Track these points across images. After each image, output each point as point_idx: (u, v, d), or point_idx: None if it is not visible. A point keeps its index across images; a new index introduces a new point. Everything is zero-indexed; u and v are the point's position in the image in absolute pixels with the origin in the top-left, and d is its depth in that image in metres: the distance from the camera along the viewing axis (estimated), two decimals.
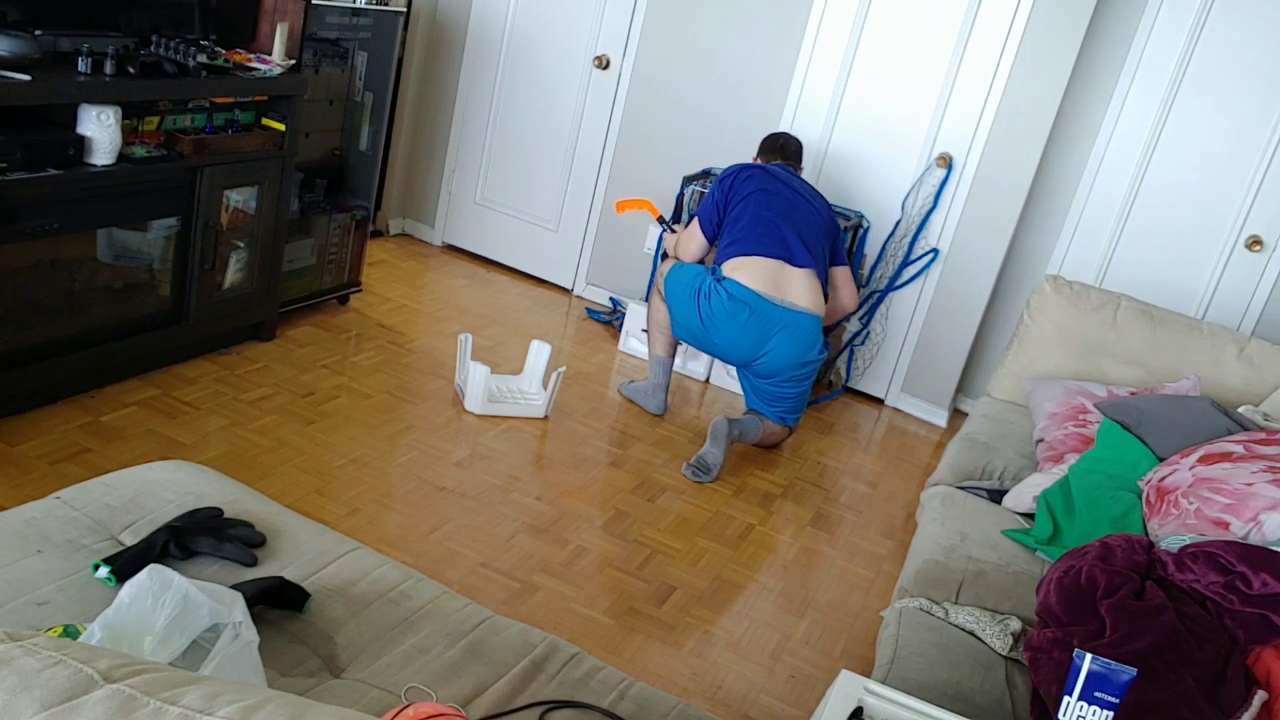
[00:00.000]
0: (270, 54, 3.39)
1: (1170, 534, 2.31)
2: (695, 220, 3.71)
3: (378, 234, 5.06)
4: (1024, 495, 2.66)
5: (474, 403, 3.51)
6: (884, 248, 4.33)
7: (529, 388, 3.71)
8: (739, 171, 3.66)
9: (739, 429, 3.56)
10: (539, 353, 3.70)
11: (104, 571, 1.57)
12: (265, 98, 3.33)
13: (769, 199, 3.59)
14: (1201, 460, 2.44)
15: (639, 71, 4.52)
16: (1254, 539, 2.17)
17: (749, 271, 3.50)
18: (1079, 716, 1.40)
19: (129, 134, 2.92)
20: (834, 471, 3.77)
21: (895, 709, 1.51)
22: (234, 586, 1.53)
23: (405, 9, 4.51)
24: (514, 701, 1.55)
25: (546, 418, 3.62)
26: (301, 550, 1.77)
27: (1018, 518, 2.64)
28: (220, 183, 3.19)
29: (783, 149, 3.82)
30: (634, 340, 4.37)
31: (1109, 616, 1.88)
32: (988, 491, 2.76)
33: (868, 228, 4.35)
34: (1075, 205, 4.26)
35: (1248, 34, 3.88)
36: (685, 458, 3.57)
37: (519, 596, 2.64)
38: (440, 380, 3.70)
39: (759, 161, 3.85)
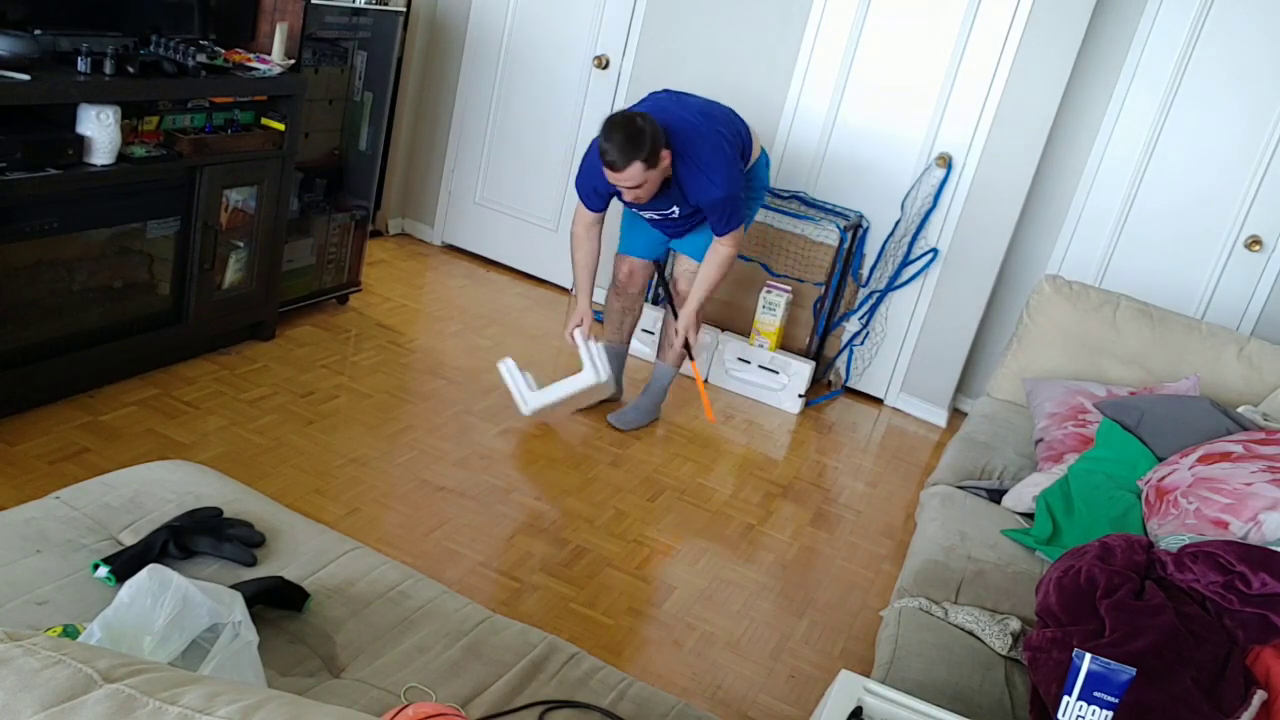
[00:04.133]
0: (270, 54, 3.39)
1: (1170, 534, 2.31)
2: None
3: (377, 234, 5.06)
4: (1023, 495, 2.66)
5: (525, 402, 3.43)
6: (883, 247, 4.33)
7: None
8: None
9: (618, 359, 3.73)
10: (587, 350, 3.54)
11: (103, 571, 1.57)
12: (265, 98, 3.33)
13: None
14: (1201, 460, 2.44)
15: (639, 71, 4.51)
16: (1253, 539, 2.17)
17: None
18: (1078, 716, 1.40)
19: (128, 134, 2.92)
20: (834, 471, 3.77)
21: (895, 709, 1.51)
22: (233, 586, 1.53)
23: (405, 9, 4.51)
24: (513, 701, 1.55)
25: (608, 394, 3.56)
26: (301, 550, 1.77)
27: (1017, 517, 2.64)
28: (220, 182, 3.19)
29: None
30: (635, 340, 4.37)
31: (1108, 616, 1.88)
32: (987, 491, 2.76)
33: (867, 227, 4.35)
34: (1075, 205, 4.26)
35: (1247, 34, 3.88)
36: (686, 457, 3.57)
37: (519, 596, 2.64)
38: (440, 380, 3.70)
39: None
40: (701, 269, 3.49)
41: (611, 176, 3.11)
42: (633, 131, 3.04)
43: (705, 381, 3.68)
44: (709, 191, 3.22)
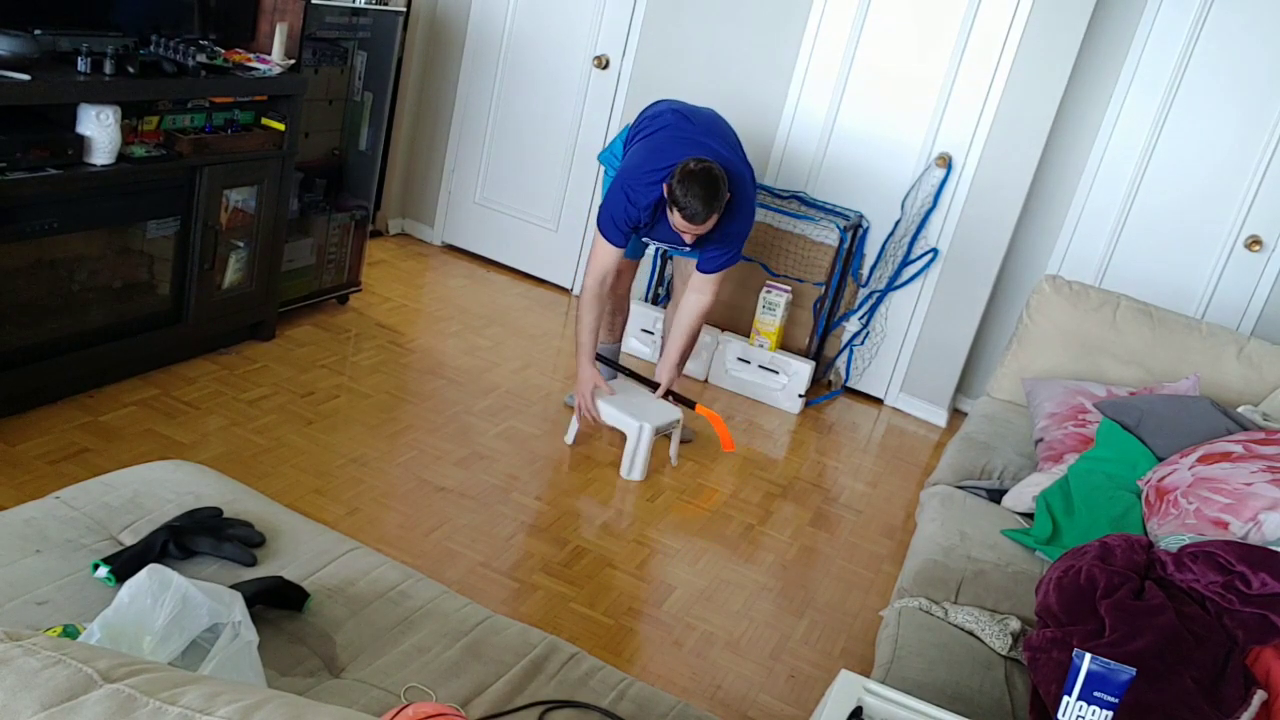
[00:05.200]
0: (270, 54, 3.39)
1: (1169, 534, 2.31)
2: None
3: (377, 234, 5.06)
4: (1023, 495, 2.66)
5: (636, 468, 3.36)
6: (883, 247, 4.33)
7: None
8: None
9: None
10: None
11: (103, 571, 1.57)
12: (265, 97, 3.33)
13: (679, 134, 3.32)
14: (1201, 460, 2.44)
15: (639, 71, 4.51)
16: (1253, 539, 2.17)
17: None
18: (1078, 716, 1.40)
19: (128, 133, 2.92)
20: (834, 471, 3.77)
21: (895, 709, 1.51)
22: (233, 586, 1.53)
23: (405, 9, 4.51)
24: (513, 701, 1.55)
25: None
26: (301, 550, 1.77)
27: (1017, 517, 2.64)
28: (220, 182, 3.19)
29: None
30: (633, 340, 4.37)
31: (1108, 616, 1.88)
32: (987, 491, 2.76)
33: (867, 227, 4.35)
34: (1075, 205, 4.26)
35: (1247, 34, 3.88)
36: (686, 457, 3.57)
37: (519, 596, 2.64)
38: (440, 380, 3.70)
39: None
40: (684, 320, 3.43)
41: (684, 225, 3.08)
42: (712, 182, 3.01)
43: (709, 412, 3.55)
44: (728, 226, 3.21)
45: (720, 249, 3.29)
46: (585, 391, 3.38)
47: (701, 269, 3.36)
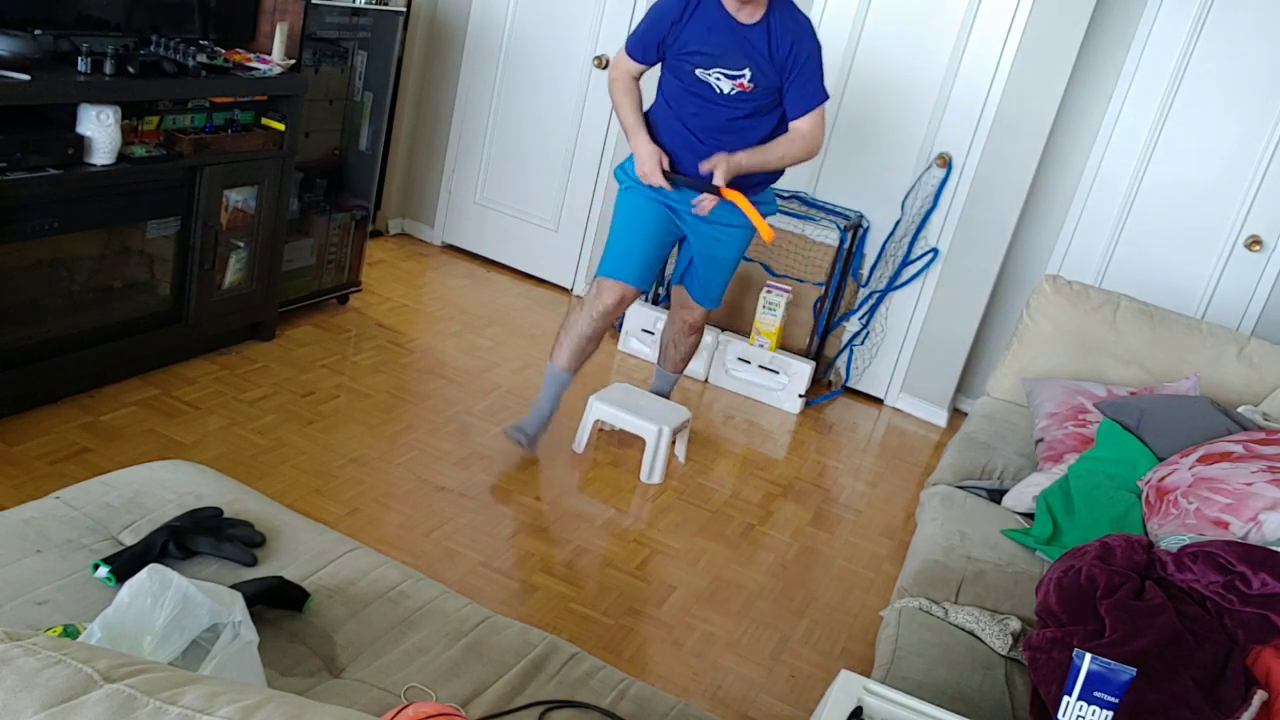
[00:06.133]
0: (270, 54, 3.39)
1: (1170, 534, 2.31)
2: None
3: (377, 234, 5.06)
4: (1024, 495, 2.66)
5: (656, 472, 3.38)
6: (884, 248, 4.33)
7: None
8: None
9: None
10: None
11: (103, 571, 1.57)
12: (265, 98, 3.33)
13: None
14: (1201, 460, 2.44)
15: None
16: (1253, 539, 2.17)
17: None
18: (1078, 716, 1.40)
19: (128, 133, 2.92)
20: (834, 471, 3.77)
21: (895, 709, 1.51)
22: (233, 586, 1.53)
23: (405, 9, 4.51)
24: (514, 701, 1.55)
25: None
26: (301, 550, 1.77)
27: (1017, 517, 2.64)
28: (220, 182, 3.19)
29: None
30: (634, 340, 4.37)
31: (1108, 616, 1.88)
32: (987, 491, 2.76)
33: (867, 227, 4.35)
34: (1075, 205, 4.26)
35: (1247, 34, 3.88)
36: (686, 456, 3.57)
37: (519, 596, 2.64)
38: (440, 380, 3.70)
39: None
40: (773, 142, 3.08)
41: None
42: None
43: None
44: (802, 42, 2.92)
45: (801, 78, 2.98)
46: (652, 165, 3.09)
47: (794, 114, 3.04)
